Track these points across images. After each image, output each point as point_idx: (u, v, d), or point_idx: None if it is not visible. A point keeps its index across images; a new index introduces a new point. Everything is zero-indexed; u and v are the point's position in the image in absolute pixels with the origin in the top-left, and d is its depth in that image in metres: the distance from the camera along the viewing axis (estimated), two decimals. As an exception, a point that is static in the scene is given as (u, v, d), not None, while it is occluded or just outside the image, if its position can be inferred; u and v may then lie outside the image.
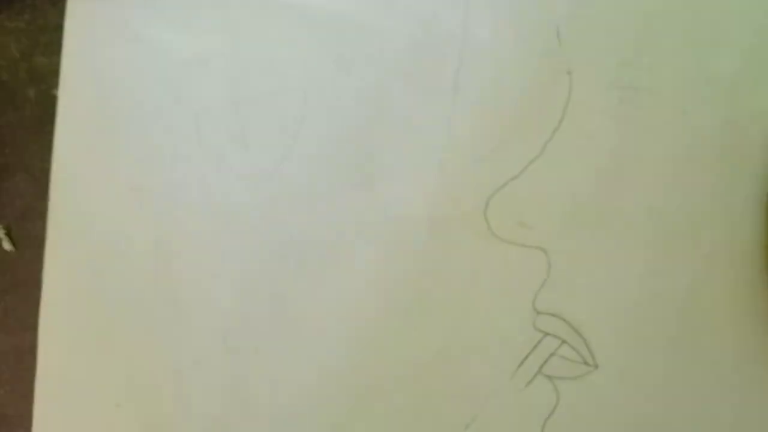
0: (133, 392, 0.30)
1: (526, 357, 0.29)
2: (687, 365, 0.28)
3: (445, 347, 0.29)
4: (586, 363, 0.28)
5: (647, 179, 0.28)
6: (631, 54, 0.28)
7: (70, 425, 0.30)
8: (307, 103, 0.30)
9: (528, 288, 0.29)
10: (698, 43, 0.28)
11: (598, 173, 0.29)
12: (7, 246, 0.32)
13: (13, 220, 0.32)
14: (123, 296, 0.30)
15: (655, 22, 0.29)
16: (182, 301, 0.30)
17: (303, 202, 0.30)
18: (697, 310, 0.28)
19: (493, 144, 0.29)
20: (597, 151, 0.29)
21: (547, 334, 0.29)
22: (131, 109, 0.31)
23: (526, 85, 0.29)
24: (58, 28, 0.32)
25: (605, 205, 0.29)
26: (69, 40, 0.31)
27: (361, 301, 0.30)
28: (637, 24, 0.29)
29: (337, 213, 0.30)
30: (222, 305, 0.30)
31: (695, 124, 0.28)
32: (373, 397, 0.29)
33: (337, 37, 0.30)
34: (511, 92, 0.29)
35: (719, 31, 0.28)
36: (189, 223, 0.30)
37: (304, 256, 0.30)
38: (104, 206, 0.31)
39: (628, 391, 0.28)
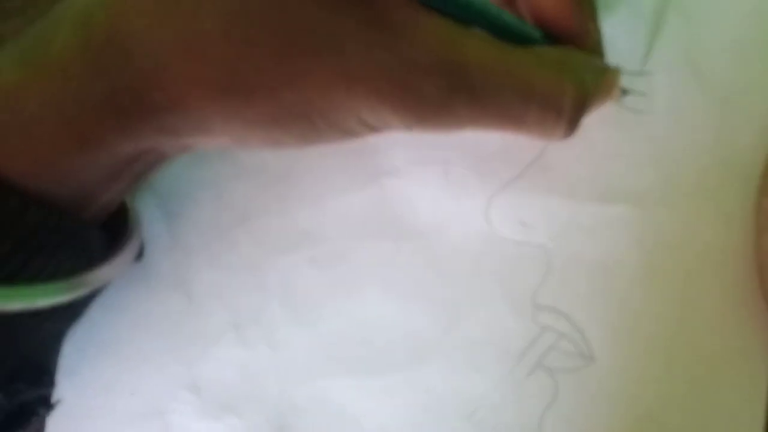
0: (147, 382, 0.31)
1: (526, 350, 0.29)
2: (682, 359, 0.28)
3: (447, 340, 0.30)
4: (583, 356, 0.29)
5: (643, 179, 0.29)
6: (628, 58, 0.29)
7: (84, 415, 0.31)
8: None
9: (528, 284, 0.29)
10: (693, 47, 0.29)
11: (597, 174, 0.29)
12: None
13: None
14: (137, 289, 0.31)
15: (651, 25, 0.29)
16: (195, 293, 0.31)
17: (313, 201, 0.30)
18: (691, 306, 0.28)
19: (496, 144, 0.30)
20: (596, 152, 0.29)
21: (546, 328, 0.29)
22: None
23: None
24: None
25: (604, 204, 0.29)
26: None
27: (366, 294, 0.30)
28: (635, 28, 0.29)
29: (345, 211, 0.30)
30: (234, 298, 0.31)
31: (690, 126, 0.29)
32: (376, 388, 0.30)
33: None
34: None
35: (714, 34, 0.29)
36: (203, 219, 0.31)
37: (312, 252, 0.30)
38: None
39: (624, 383, 0.28)
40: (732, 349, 0.28)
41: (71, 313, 0.26)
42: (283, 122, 0.21)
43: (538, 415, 0.29)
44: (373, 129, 0.23)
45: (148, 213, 0.31)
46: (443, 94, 0.21)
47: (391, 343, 0.30)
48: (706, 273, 0.28)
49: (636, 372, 0.29)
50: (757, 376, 0.28)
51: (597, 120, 0.28)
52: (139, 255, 0.28)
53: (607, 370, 0.29)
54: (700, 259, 0.28)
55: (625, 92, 0.28)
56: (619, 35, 0.29)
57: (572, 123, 0.23)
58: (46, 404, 0.27)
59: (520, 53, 0.22)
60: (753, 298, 0.28)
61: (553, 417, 0.29)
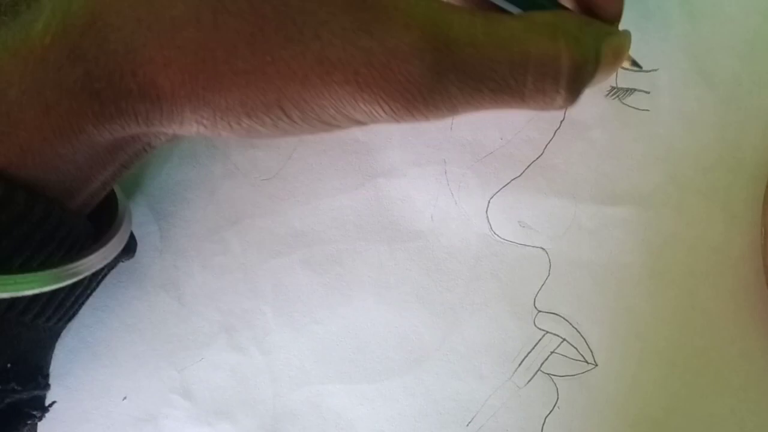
0: (139, 386, 0.30)
1: (527, 355, 0.29)
2: (685, 364, 0.28)
3: (445, 345, 0.29)
4: (585, 361, 0.29)
5: (646, 180, 0.29)
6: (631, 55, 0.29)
7: (76, 419, 0.30)
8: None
9: (529, 287, 0.29)
10: (697, 45, 0.28)
11: (598, 174, 0.29)
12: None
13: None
14: (128, 291, 0.31)
15: (655, 24, 0.29)
16: (187, 296, 0.30)
17: (306, 201, 0.30)
18: (695, 309, 0.28)
19: (495, 144, 0.29)
20: (597, 152, 0.29)
21: (547, 332, 0.29)
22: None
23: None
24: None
25: (606, 205, 0.29)
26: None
27: (361, 298, 0.30)
28: (636, 27, 0.29)
29: (339, 212, 0.30)
30: (226, 301, 0.30)
31: (695, 125, 0.28)
32: (372, 394, 0.30)
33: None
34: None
35: (719, 31, 0.28)
36: (194, 220, 0.30)
37: (306, 254, 0.30)
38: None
39: (627, 389, 0.28)
40: (738, 352, 0.28)
41: (63, 310, 0.26)
42: (253, 111, 0.20)
43: (538, 421, 0.29)
44: (356, 121, 0.21)
45: (138, 214, 0.30)
46: (432, 75, 0.20)
47: (387, 347, 0.30)
48: (711, 275, 0.28)
49: (639, 378, 0.28)
50: (765, 380, 0.28)
51: (599, 118, 0.28)
52: (132, 250, 0.28)
53: (609, 375, 0.28)
54: (704, 260, 0.28)
55: (629, 90, 0.28)
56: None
57: (572, 87, 0.22)
58: (41, 407, 0.26)
59: (509, 22, 0.21)
60: (759, 301, 0.28)
61: (554, 423, 0.29)
